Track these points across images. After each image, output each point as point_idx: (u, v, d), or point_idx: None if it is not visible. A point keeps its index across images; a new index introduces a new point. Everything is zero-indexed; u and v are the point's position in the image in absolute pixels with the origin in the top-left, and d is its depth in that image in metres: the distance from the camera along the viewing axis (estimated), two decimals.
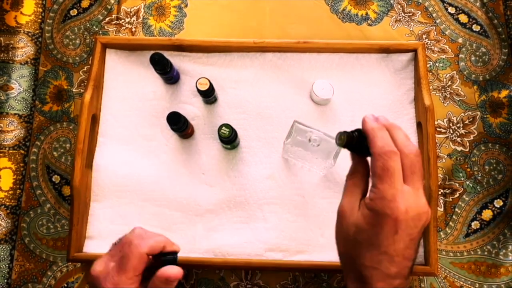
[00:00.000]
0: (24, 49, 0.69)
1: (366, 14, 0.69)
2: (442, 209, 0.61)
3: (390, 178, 0.36)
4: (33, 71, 0.68)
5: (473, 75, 0.66)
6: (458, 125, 0.64)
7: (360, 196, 0.40)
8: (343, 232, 0.39)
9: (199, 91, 0.58)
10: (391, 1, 0.70)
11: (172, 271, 0.41)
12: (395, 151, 0.37)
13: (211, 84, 0.58)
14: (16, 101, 0.67)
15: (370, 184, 0.39)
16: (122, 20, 0.70)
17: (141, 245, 0.41)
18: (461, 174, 0.63)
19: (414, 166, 0.37)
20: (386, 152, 0.37)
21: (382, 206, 0.36)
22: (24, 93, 0.67)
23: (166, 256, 0.43)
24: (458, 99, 0.65)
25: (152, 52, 0.59)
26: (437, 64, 0.67)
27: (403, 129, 0.61)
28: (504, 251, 0.60)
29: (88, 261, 0.57)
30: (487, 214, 0.61)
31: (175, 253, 0.44)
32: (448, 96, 0.65)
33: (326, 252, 0.58)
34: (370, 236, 0.37)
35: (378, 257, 0.37)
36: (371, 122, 0.40)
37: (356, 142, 0.40)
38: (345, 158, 0.60)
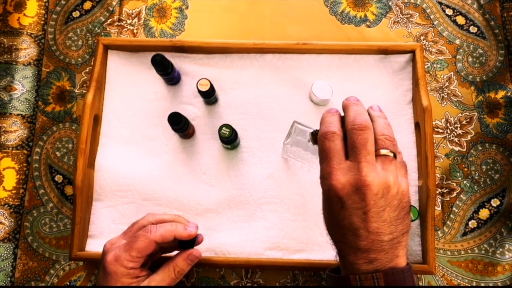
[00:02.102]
0: (27, 50, 0.70)
1: (365, 15, 0.70)
2: (439, 208, 0.62)
3: (326, 158, 0.39)
4: (36, 72, 0.69)
5: (470, 76, 0.67)
6: (455, 125, 0.65)
7: None
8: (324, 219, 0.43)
9: (199, 92, 0.59)
10: (390, 3, 0.71)
11: (194, 250, 0.49)
12: (333, 131, 0.39)
13: (211, 85, 0.59)
14: (19, 101, 0.67)
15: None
16: (124, 22, 0.71)
17: (153, 232, 0.45)
18: (458, 174, 0.63)
19: (354, 140, 0.38)
20: (323, 134, 0.40)
21: (323, 185, 0.39)
22: (27, 93, 0.68)
23: (183, 243, 0.48)
24: (455, 99, 0.66)
25: (153, 53, 0.59)
26: (434, 65, 0.67)
27: (401, 129, 0.62)
28: (501, 249, 0.60)
29: (90, 260, 0.58)
30: (484, 213, 0.62)
31: (191, 241, 0.49)
32: (446, 96, 0.66)
33: (325, 251, 0.58)
34: (328, 213, 0.40)
35: (341, 231, 0.39)
36: (325, 112, 0.43)
37: None
38: None
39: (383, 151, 0.39)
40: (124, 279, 0.43)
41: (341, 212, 0.38)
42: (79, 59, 0.69)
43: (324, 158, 0.39)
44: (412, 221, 0.53)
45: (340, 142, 0.39)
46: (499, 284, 0.59)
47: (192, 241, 0.49)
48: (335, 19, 0.70)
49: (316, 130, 0.46)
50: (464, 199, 0.62)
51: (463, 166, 0.64)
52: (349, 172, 0.37)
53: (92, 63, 0.66)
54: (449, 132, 0.65)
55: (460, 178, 0.63)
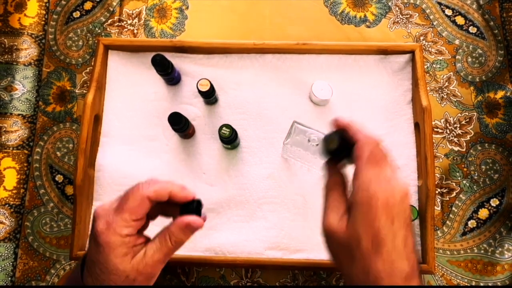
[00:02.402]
0: (27, 50, 0.70)
1: (365, 16, 0.70)
2: (439, 208, 0.62)
3: (379, 162, 0.35)
4: (37, 72, 0.69)
5: (470, 76, 0.67)
6: (455, 125, 0.65)
7: (346, 208, 0.37)
8: (341, 251, 0.35)
9: (200, 92, 0.59)
10: (389, 4, 0.71)
11: (192, 218, 0.38)
12: (380, 139, 0.36)
13: (211, 85, 0.59)
14: (20, 101, 0.68)
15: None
16: (124, 22, 0.71)
17: (144, 188, 0.38)
18: (458, 174, 0.64)
19: (383, 151, 0.36)
20: (373, 141, 0.36)
21: (374, 191, 0.33)
22: (27, 94, 0.68)
23: (188, 205, 0.39)
24: (455, 99, 0.66)
25: (153, 53, 0.59)
26: (434, 65, 0.68)
27: (401, 129, 0.63)
28: (500, 249, 0.61)
29: None
30: (483, 213, 0.62)
31: (198, 203, 0.40)
32: (445, 96, 0.66)
33: (325, 250, 0.58)
34: (372, 235, 0.33)
35: (390, 257, 0.32)
36: (343, 118, 0.39)
37: (344, 146, 0.38)
38: None
39: None
40: (119, 249, 0.37)
41: (391, 227, 0.33)
42: (80, 59, 0.69)
43: (376, 163, 0.35)
44: (412, 221, 0.53)
45: (384, 151, 0.37)
46: (499, 283, 0.59)
47: (195, 210, 0.40)
48: (334, 19, 0.70)
49: (334, 134, 0.40)
50: (463, 199, 0.63)
51: (463, 166, 0.64)
52: (392, 180, 0.34)
53: (92, 63, 0.66)
54: (448, 132, 0.65)
55: (459, 178, 0.63)
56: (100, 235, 0.36)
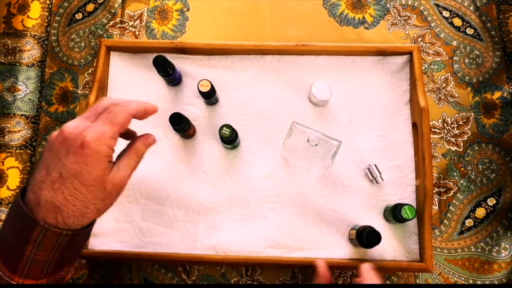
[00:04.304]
0: (30, 51, 0.71)
1: (363, 17, 0.71)
2: (436, 207, 0.63)
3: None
4: (39, 73, 0.70)
5: (467, 77, 0.68)
6: (452, 125, 0.66)
7: None
8: None
9: (200, 92, 0.60)
10: (387, 5, 0.72)
11: (148, 136, 0.45)
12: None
13: (212, 86, 0.60)
14: (23, 102, 0.68)
15: None
16: (126, 24, 0.72)
17: (127, 105, 0.40)
18: (455, 173, 0.64)
19: None
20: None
21: None
22: (30, 94, 0.69)
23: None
24: (452, 100, 0.67)
25: (155, 54, 0.60)
26: (432, 66, 0.68)
27: (399, 129, 0.64)
28: (497, 248, 0.61)
29: (93, 258, 0.59)
30: (480, 212, 0.63)
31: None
32: (443, 97, 0.67)
33: (324, 249, 0.59)
34: None
35: None
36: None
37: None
38: (343, 158, 0.61)
39: None
40: (103, 160, 0.38)
41: None
42: (82, 60, 0.70)
43: None
44: (410, 219, 0.54)
45: None
46: (495, 282, 0.60)
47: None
48: (333, 21, 0.71)
49: (363, 228, 0.54)
50: (461, 198, 0.63)
51: (460, 165, 0.65)
52: None
53: (94, 64, 0.67)
54: (446, 132, 0.66)
55: (457, 178, 0.64)
56: (90, 144, 0.36)
